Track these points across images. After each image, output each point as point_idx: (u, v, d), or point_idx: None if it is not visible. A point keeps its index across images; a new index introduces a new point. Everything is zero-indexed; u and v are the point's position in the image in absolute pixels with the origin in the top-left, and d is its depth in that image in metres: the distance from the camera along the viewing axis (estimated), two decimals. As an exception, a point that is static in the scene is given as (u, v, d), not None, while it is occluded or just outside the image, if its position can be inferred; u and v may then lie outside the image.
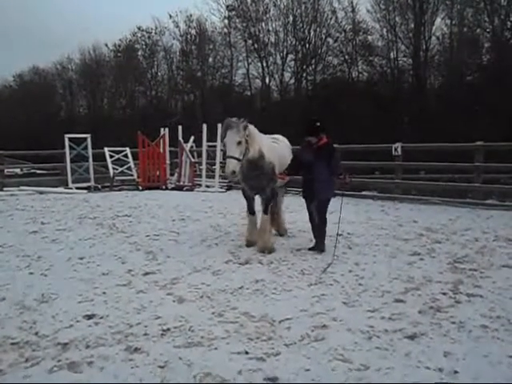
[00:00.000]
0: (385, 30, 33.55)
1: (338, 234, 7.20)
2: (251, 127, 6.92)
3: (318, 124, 6.93)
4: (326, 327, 4.37)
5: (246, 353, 3.88)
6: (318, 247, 7.10)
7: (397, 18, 32.84)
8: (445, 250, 7.17)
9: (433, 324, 4.41)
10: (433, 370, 3.61)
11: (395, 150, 12.77)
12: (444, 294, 5.24)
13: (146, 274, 6.11)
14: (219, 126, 16.34)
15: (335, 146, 7.58)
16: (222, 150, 16.77)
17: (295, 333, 4.24)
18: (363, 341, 4.09)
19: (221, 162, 16.77)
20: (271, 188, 7.41)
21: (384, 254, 6.94)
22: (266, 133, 7.84)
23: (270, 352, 3.89)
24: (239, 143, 6.60)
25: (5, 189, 15.93)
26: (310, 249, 7.16)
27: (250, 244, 7.47)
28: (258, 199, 7.75)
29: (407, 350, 3.90)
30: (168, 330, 4.34)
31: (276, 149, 7.62)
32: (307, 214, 7.28)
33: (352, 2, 34.87)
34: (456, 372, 3.58)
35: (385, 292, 5.31)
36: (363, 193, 13.81)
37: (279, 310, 4.80)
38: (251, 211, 7.65)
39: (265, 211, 7.48)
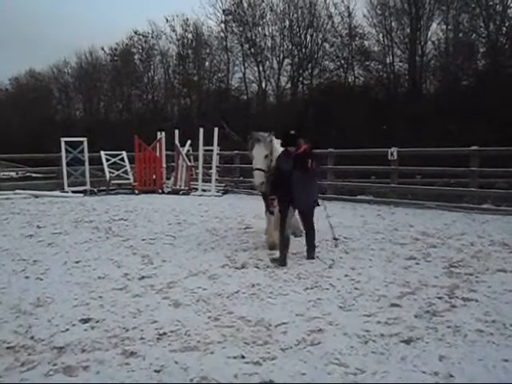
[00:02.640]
0: (381, 34, 33.71)
1: (334, 239, 7.45)
2: (274, 141, 7.35)
3: (293, 132, 6.85)
4: (322, 331, 4.37)
5: (243, 357, 3.88)
6: (310, 254, 6.97)
7: (393, 23, 33.01)
8: (440, 254, 7.19)
9: (428, 328, 4.42)
10: (428, 374, 3.62)
11: (391, 154, 12.81)
12: (440, 298, 5.25)
13: (142, 277, 6.11)
14: (215, 129, 16.41)
15: (321, 151, 7.84)
16: (218, 154, 16.81)
17: (291, 337, 4.25)
18: (359, 345, 4.10)
19: (217, 166, 16.80)
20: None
21: (380, 259, 6.95)
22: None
23: (266, 356, 3.90)
24: (266, 156, 7.15)
25: (0, 192, 15.88)
26: (309, 258, 6.95)
27: (272, 246, 7.51)
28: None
29: (403, 355, 3.91)
30: (164, 334, 4.34)
31: None
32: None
33: (348, 7, 35.05)
34: (451, 376, 3.59)
35: (381, 296, 5.32)
36: (359, 197, 13.83)
37: (275, 314, 4.80)
38: (270, 211, 7.77)
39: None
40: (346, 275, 6.13)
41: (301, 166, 6.62)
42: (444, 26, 31.49)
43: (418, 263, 6.71)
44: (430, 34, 31.83)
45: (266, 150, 7.15)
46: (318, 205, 7.03)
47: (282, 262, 6.65)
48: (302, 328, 4.44)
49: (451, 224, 9.65)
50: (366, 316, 4.74)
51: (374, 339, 4.20)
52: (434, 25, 31.72)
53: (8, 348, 4.06)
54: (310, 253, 6.97)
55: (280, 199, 6.90)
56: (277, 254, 6.95)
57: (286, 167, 6.74)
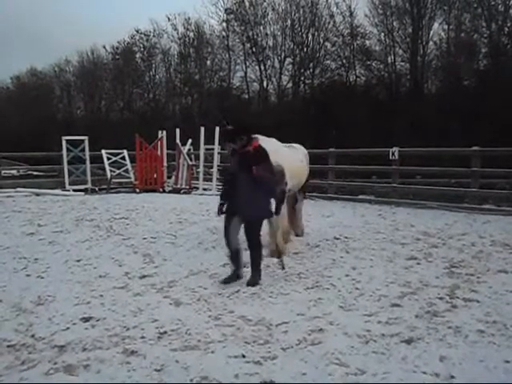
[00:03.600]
0: (382, 34, 33.71)
1: (282, 267, 6.23)
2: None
3: (230, 127, 5.95)
4: (322, 331, 4.37)
5: (243, 356, 3.88)
6: (252, 279, 5.70)
7: (394, 23, 33.00)
8: (441, 254, 7.18)
9: (429, 328, 4.42)
10: (429, 374, 3.61)
11: (392, 154, 12.79)
12: (441, 298, 5.24)
13: (143, 276, 6.11)
14: (217, 128, 16.40)
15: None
16: (219, 153, 16.80)
17: (292, 337, 4.24)
18: (360, 345, 4.09)
19: (218, 165, 16.79)
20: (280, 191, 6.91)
21: (381, 259, 6.94)
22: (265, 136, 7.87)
23: (266, 356, 3.89)
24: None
25: (1, 190, 15.89)
26: (225, 281, 5.77)
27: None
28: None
29: (404, 355, 3.90)
30: (165, 333, 4.34)
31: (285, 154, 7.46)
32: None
33: (350, 7, 35.06)
34: (452, 377, 3.58)
35: (381, 296, 5.31)
36: (360, 197, 13.83)
37: (276, 313, 4.80)
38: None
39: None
40: (347, 275, 6.13)
41: (245, 169, 5.56)
42: (446, 26, 31.49)
43: (419, 263, 6.70)
44: (431, 33, 31.85)
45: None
46: (270, 216, 6.03)
47: (229, 278, 5.76)
48: (302, 327, 4.44)
49: (452, 224, 9.64)
50: (366, 316, 4.74)
51: (375, 339, 4.19)
52: (436, 24, 31.74)
53: (8, 346, 4.06)
54: (253, 277, 5.71)
55: (228, 206, 5.85)
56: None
57: (231, 168, 5.97)
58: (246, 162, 5.58)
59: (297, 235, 8.37)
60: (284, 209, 7.16)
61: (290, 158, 7.52)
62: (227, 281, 5.70)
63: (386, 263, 6.70)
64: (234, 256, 5.81)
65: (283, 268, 6.16)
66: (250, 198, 5.52)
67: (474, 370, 3.67)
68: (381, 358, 3.86)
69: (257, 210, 5.66)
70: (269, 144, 6.98)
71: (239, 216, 5.70)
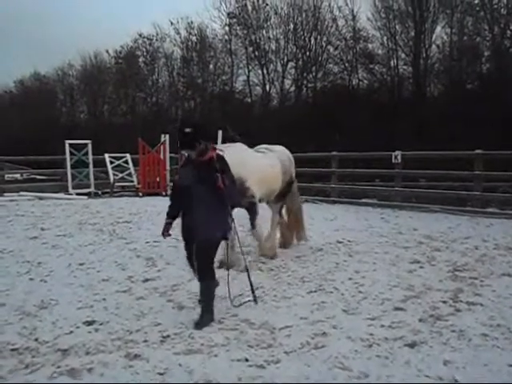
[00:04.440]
0: (385, 38, 33.66)
1: (254, 298, 5.18)
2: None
3: (188, 130, 4.76)
4: (325, 335, 4.37)
5: (246, 360, 3.88)
6: (201, 320, 4.64)
7: (397, 27, 32.96)
8: (445, 258, 7.17)
9: (433, 332, 4.41)
10: (433, 378, 3.61)
11: (395, 157, 12.79)
12: (444, 302, 5.24)
13: (146, 280, 6.12)
14: (219, 132, 16.40)
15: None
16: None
17: (295, 340, 4.24)
18: (363, 349, 4.09)
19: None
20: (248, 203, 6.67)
21: (384, 262, 6.94)
22: (265, 141, 7.84)
23: (270, 359, 3.89)
24: None
25: (5, 194, 15.93)
26: (196, 325, 4.59)
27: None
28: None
29: (407, 358, 3.90)
30: (168, 336, 4.34)
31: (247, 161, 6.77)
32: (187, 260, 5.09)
33: (352, 11, 35.00)
34: (456, 381, 3.58)
35: (385, 300, 5.31)
36: (363, 200, 13.83)
37: (279, 317, 4.80)
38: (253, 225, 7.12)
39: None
40: (350, 278, 6.13)
41: (204, 181, 4.70)
42: (448, 29, 31.44)
43: (422, 267, 6.70)
44: (434, 37, 31.78)
45: None
46: (226, 238, 5.07)
47: (204, 321, 4.63)
48: (305, 331, 4.44)
49: (455, 227, 9.62)
50: (369, 319, 4.73)
51: (378, 343, 4.19)
52: (439, 28, 31.67)
53: (12, 350, 4.07)
54: (201, 317, 4.68)
55: (183, 228, 4.93)
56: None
57: (184, 180, 4.88)
58: (204, 173, 4.69)
59: (263, 255, 7.35)
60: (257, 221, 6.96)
61: (257, 168, 6.85)
62: (199, 324, 4.58)
63: (389, 267, 6.70)
64: (207, 290, 4.81)
65: (255, 299, 5.11)
66: (208, 215, 4.67)
67: (478, 374, 3.66)
68: (384, 362, 3.85)
69: (215, 230, 4.72)
70: (232, 153, 6.27)
71: (195, 238, 4.72)
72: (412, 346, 4.14)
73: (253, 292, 5.12)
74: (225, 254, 5.65)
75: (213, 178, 4.65)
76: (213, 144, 5.10)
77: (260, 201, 7.21)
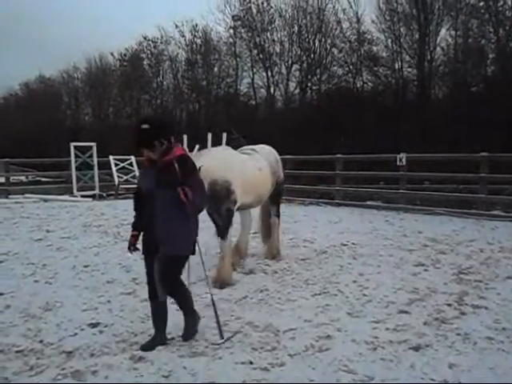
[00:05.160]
0: (389, 40, 33.62)
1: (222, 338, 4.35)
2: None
3: (146, 126, 4.16)
4: (330, 338, 4.36)
5: (251, 363, 3.88)
6: (187, 330, 4.39)
7: (401, 29, 32.91)
8: (450, 260, 7.15)
9: (438, 335, 4.40)
10: (438, 381, 3.60)
11: (400, 160, 12.77)
12: (449, 305, 5.22)
13: (151, 282, 6.11)
14: (224, 134, 16.40)
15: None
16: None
17: (299, 343, 4.24)
18: (368, 352, 4.08)
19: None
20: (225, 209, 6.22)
21: (388, 265, 6.92)
22: (270, 143, 7.76)
23: (274, 362, 3.89)
24: None
25: (10, 196, 16.02)
26: (144, 348, 4.16)
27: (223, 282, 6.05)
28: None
29: (412, 362, 3.88)
30: (172, 339, 4.34)
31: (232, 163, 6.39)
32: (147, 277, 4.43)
33: (357, 13, 34.99)
34: (461, 384, 3.56)
35: (389, 303, 5.30)
36: (368, 203, 13.81)
37: (283, 320, 4.79)
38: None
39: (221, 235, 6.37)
40: (355, 281, 6.12)
41: (167, 186, 4.09)
42: (453, 32, 31.36)
43: (426, 270, 6.68)
44: (438, 39, 31.71)
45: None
46: (193, 253, 4.51)
47: (151, 342, 4.23)
48: (310, 334, 4.44)
49: (460, 230, 9.59)
50: (374, 322, 4.73)
51: (383, 346, 4.18)
52: (443, 30, 31.60)
53: (17, 352, 4.09)
54: (187, 327, 4.39)
55: (144, 240, 4.34)
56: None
57: (146, 184, 4.31)
58: (167, 177, 4.10)
59: (272, 257, 7.22)
60: (229, 234, 6.29)
61: (243, 170, 6.44)
62: (147, 347, 4.16)
63: (394, 269, 6.68)
64: (160, 312, 4.34)
65: (221, 337, 4.35)
66: (173, 227, 4.14)
67: (483, 377, 3.65)
68: (389, 365, 3.84)
69: (180, 242, 4.21)
70: (216, 155, 6.31)
71: (159, 251, 4.19)
72: (417, 349, 4.13)
73: (219, 328, 4.39)
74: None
75: (177, 181, 4.06)
76: (178, 143, 4.47)
77: (249, 207, 6.87)
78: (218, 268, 6.20)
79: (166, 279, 4.22)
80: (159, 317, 4.32)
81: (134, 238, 4.38)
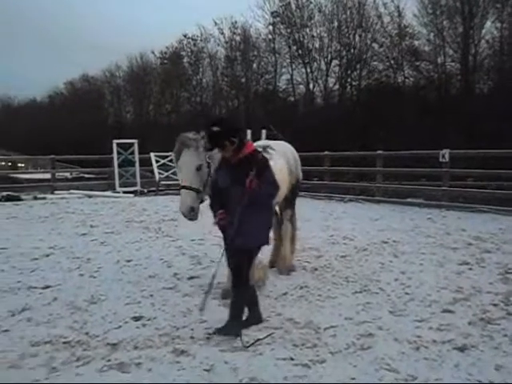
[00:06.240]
0: (432, 34, 32.93)
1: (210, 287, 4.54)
2: None
3: (216, 129, 4.35)
4: (371, 336, 4.31)
5: (291, 359, 3.87)
6: (223, 329, 4.39)
7: (444, 22, 32.18)
8: (495, 259, 6.95)
9: (483, 336, 4.29)
10: (484, 383, 3.51)
11: (443, 156, 12.48)
12: (495, 305, 5.08)
13: (191, 277, 6.20)
14: (263, 131, 16.42)
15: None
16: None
17: (340, 341, 4.21)
18: (410, 351, 4.02)
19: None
20: None
21: (431, 263, 6.79)
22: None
23: (315, 359, 3.88)
24: (199, 168, 4.93)
25: (56, 192, 16.50)
26: (218, 331, 4.37)
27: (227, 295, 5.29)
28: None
29: (456, 362, 3.80)
30: (214, 334, 4.38)
31: None
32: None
33: (398, 7, 34.43)
34: (508, 386, 3.47)
35: (432, 302, 5.19)
36: (409, 200, 13.58)
37: (324, 317, 4.77)
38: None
39: None
40: (396, 279, 6.03)
41: (241, 181, 4.23)
42: (499, 24, 30.46)
43: (471, 268, 6.52)
44: (483, 32, 30.87)
45: (197, 159, 4.90)
46: (267, 243, 4.55)
47: (234, 329, 4.30)
48: (351, 332, 4.40)
49: (506, 229, 9.31)
50: (417, 321, 4.65)
51: (426, 345, 4.10)
52: (489, 23, 30.73)
53: (64, 343, 4.20)
54: (227, 326, 4.39)
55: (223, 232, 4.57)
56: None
57: (222, 182, 4.49)
58: (241, 174, 4.24)
59: (280, 272, 6.35)
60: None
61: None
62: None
63: (437, 268, 6.55)
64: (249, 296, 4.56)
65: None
66: (246, 220, 4.25)
67: (532, 380, 3.54)
68: (432, 365, 3.77)
69: (254, 235, 4.34)
70: None
71: (230, 244, 4.38)
72: (462, 349, 4.04)
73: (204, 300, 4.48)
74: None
75: (245, 176, 4.19)
76: (249, 140, 4.65)
77: None
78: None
79: (239, 270, 4.41)
80: (247, 300, 4.53)
81: (222, 214, 4.45)
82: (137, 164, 17.38)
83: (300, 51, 38.83)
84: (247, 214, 4.24)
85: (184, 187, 4.98)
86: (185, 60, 48.56)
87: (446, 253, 7.40)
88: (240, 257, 4.39)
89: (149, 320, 4.73)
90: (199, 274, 6.37)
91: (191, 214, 5.09)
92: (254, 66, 42.50)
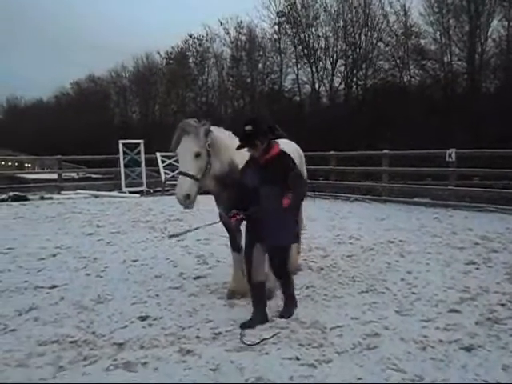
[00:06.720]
0: (438, 33, 32.86)
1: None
2: (216, 131, 5.09)
3: (250, 128, 4.42)
4: (378, 336, 4.30)
5: (297, 359, 3.86)
6: (287, 310, 4.78)
7: (451, 21, 32.10)
8: (502, 259, 6.92)
9: (490, 336, 4.27)
10: (491, 383, 3.49)
11: (449, 155, 12.44)
12: (502, 305, 5.05)
13: (198, 277, 6.20)
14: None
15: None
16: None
17: (347, 340, 4.20)
18: (417, 351, 4.00)
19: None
20: None
21: (438, 263, 6.77)
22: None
23: (321, 359, 3.87)
24: (198, 155, 4.81)
25: (62, 192, 16.57)
26: (243, 326, 4.47)
27: (232, 295, 5.40)
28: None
29: (464, 362, 3.79)
30: (219, 333, 4.38)
31: None
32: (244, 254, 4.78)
33: (404, 6, 34.37)
34: (516, 387, 3.45)
35: (439, 301, 5.17)
36: (415, 199, 13.53)
37: (330, 316, 4.76)
38: (235, 247, 5.60)
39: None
40: (402, 279, 6.01)
41: (272, 181, 4.35)
42: (506, 23, 30.32)
43: (478, 268, 6.49)
44: (490, 31, 30.75)
45: (196, 146, 4.80)
46: (296, 242, 4.83)
47: (258, 320, 4.55)
48: (357, 331, 4.39)
49: (513, 228, 9.26)
50: (423, 321, 4.63)
51: (433, 345, 4.08)
52: (495, 22, 30.62)
53: (71, 342, 4.21)
54: (287, 310, 4.78)
55: (250, 227, 4.62)
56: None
57: (250, 182, 4.49)
58: (270, 174, 4.36)
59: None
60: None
61: None
62: (260, 320, 4.56)
63: (443, 268, 6.53)
64: (258, 291, 4.65)
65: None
66: (274, 219, 4.36)
67: (539, 381, 3.52)
68: (439, 365, 3.76)
69: (284, 232, 4.50)
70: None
71: (263, 243, 4.51)
72: (469, 349, 4.02)
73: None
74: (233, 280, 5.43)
75: (280, 177, 4.32)
76: (276, 140, 4.61)
77: None
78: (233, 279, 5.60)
79: (280, 266, 4.62)
80: (284, 288, 4.81)
81: (236, 215, 4.46)
82: (143, 164, 17.43)
83: (306, 51, 38.83)
84: (280, 217, 4.38)
85: (181, 173, 4.86)
86: (190, 60, 48.69)
87: (453, 252, 7.37)
88: (275, 253, 4.56)
89: (155, 320, 4.74)
90: (205, 273, 6.37)
91: (186, 201, 4.93)
92: (260, 65, 42.53)
